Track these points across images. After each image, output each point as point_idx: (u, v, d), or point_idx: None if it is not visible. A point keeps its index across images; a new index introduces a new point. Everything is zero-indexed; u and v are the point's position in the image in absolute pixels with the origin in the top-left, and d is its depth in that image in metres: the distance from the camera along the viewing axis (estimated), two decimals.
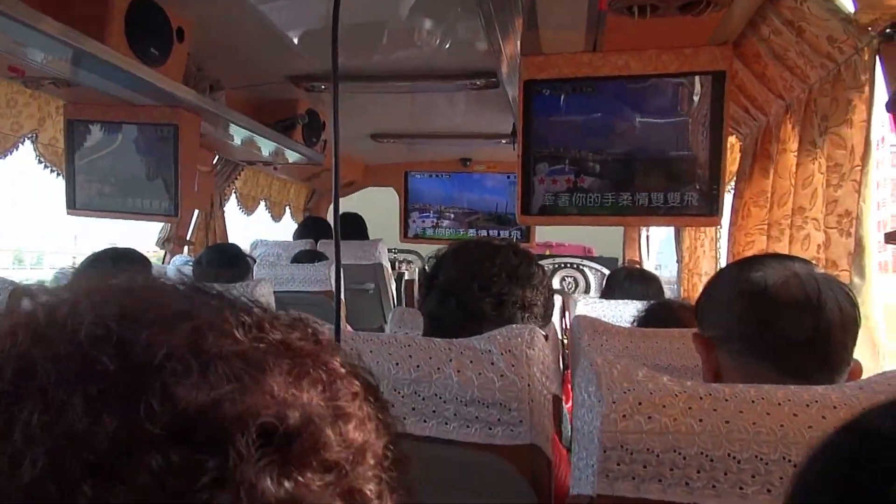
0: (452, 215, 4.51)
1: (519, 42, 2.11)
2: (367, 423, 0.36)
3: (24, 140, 2.47)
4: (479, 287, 1.15)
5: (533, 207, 2.14)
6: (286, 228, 4.56)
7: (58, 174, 2.59)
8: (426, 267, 1.26)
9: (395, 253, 4.72)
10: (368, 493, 0.34)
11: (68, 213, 2.50)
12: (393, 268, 4.24)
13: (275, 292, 2.55)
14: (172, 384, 0.30)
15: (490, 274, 1.16)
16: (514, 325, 1.00)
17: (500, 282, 1.15)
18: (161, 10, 1.96)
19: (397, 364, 0.99)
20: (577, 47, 2.13)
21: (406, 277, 4.48)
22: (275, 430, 0.31)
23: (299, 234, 3.93)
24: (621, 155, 2.09)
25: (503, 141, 3.63)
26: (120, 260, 1.86)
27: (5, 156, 2.42)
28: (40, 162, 2.58)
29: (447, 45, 2.27)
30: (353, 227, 3.82)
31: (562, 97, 2.11)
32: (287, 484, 0.30)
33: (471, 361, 0.96)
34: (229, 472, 0.29)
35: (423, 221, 4.58)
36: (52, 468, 0.28)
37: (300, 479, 0.31)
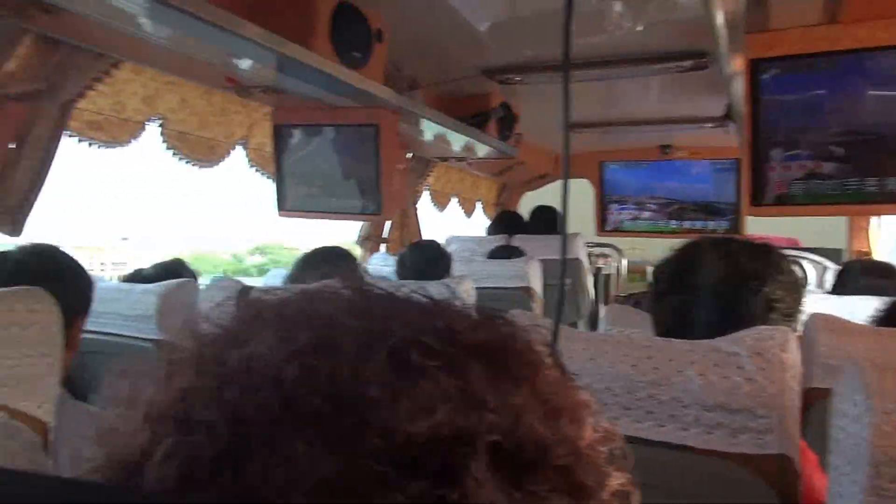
0: (654, 206, 4.23)
1: (741, 18, 1.90)
2: (578, 413, 0.35)
3: (235, 146, 2.66)
4: (749, 288, 1.08)
5: (766, 197, 1.90)
6: (463, 223, 4.58)
7: (267, 177, 2.75)
8: (663, 264, 1.20)
9: (591, 246, 4.55)
10: (591, 484, 0.33)
11: (279, 215, 2.64)
12: (589, 262, 4.10)
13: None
14: (387, 416, 0.29)
15: (761, 274, 1.09)
16: (763, 327, 0.94)
17: (772, 282, 1.08)
18: (361, 14, 1.99)
19: (634, 366, 0.96)
20: (811, 20, 1.88)
21: (604, 272, 4.32)
22: (500, 445, 0.30)
23: (494, 230, 3.91)
24: (866, 136, 1.80)
25: (709, 125, 3.38)
26: (329, 258, 1.91)
27: (220, 161, 2.61)
28: (251, 166, 2.77)
29: (648, 28, 2.13)
30: (550, 220, 3.73)
31: (795, 76, 1.86)
32: (518, 495, 0.30)
33: (715, 364, 0.91)
34: (470, 499, 0.28)
35: (621, 213, 4.33)
36: None
37: (530, 487, 0.30)
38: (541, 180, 4.62)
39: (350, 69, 1.96)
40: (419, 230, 3.82)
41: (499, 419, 0.30)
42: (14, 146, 1.77)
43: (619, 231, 4.34)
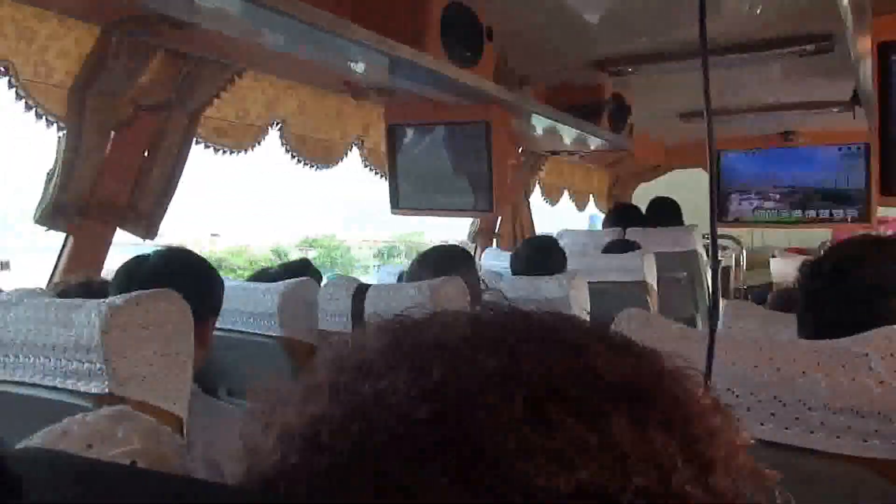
0: (778, 195, 3.97)
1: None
2: (734, 461, 0.31)
3: (352, 146, 2.73)
4: None
5: None
6: (573, 217, 4.49)
7: (381, 175, 2.80)
8: (820, 261, 1.13)
9: (706, 238, 4.36)
10: None
11: (392, 213, 2.68)
12: (706, 254, 3.94)
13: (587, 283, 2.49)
14: (521, 468, 0.27)
15: None
16: (893, 327, 0.88)
17: None
18: (471, 13, 1.99)
19: (755, 366, 0.92)
20: None
21: (722, 264, 4.13)
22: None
23: (609, 223, 3.82)
24: None
25: (835, 110, 3.17)
26: (445, 256, 1.93)
27: (337, 162, 2.69)
28: (366, 166, 2.83)
29: (768, 12, 2.03)
30: (667, 212, 3.60)
31: None
32: None
33: (843, 366, 0.87)
34: None
35: (741, 203, 4.10)
36: None
37: None
38: (653, 171, 4.47)
39: (461, 68, 1.96)
40: (532, 225, 3.79)
41: (644, 480, 0.28)
42: (147, 154, 1.90)
43: (739, 222, 4.11)
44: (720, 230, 4.18)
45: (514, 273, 2.62)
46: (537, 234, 3.79)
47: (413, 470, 0.28)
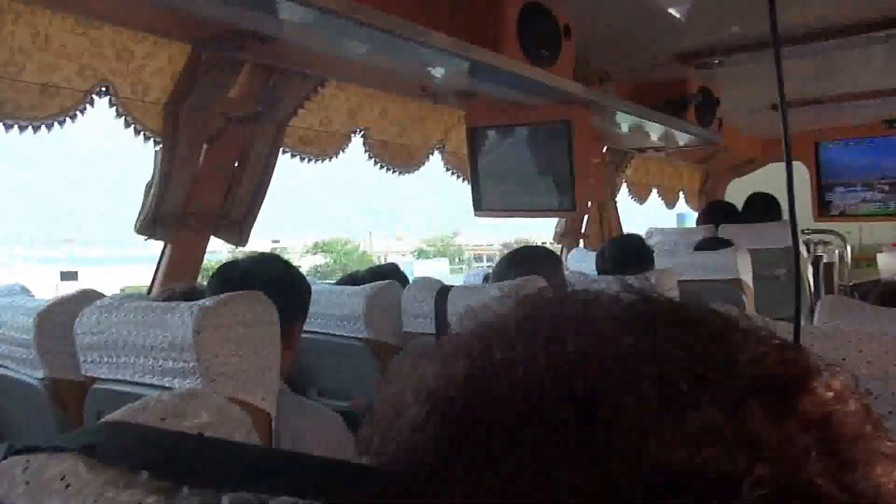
0: (886, 187, 3.71)
1: None
2: (878, 467, 0.29)
3: (433, 151, 2.75)
4: None
5: None
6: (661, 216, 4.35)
7: (463, 179, 2.82)
8: None
9: (807, 234, 4.13)
10: None
11: (475, 215, 2.69)
12: (808, 250, 3.73)
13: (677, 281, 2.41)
14: (644, 442, 0.27)
15: None
16: None
17: None
18: (548, 12, 1.97)
19: (843, 359, 0.86)
20: None
21: (825, 261, 3.91)
22: (770, 498, 0.26)
23: (702, 220, 3.69)
24: None
25: None
26: (532, 257, 1.91)
27: (419, 167, 2.72)
28: (447, 169, 2.85)
29: None
30: (765, 208, 3.44)
31: None
32: None
33: None
34: None
35: (844, 197, 3.85)
36: None
37: None
38: (748, 166, 4.28)
39: (539, 68, 1.95)
40: (619, 224, 3.71)
41: (774, 469, 0.27)
42: (237, 164, 1.98)
43: (844, 215, 3.87)
44: (822, 225, 3.97)
45: (600, 272, 2.57)
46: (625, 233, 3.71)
47: (543, 438, 0.28)
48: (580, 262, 2.99)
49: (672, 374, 0.29)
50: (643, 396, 0.28)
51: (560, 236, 3.48)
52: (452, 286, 1.89)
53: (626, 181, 3.92)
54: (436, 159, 2.82)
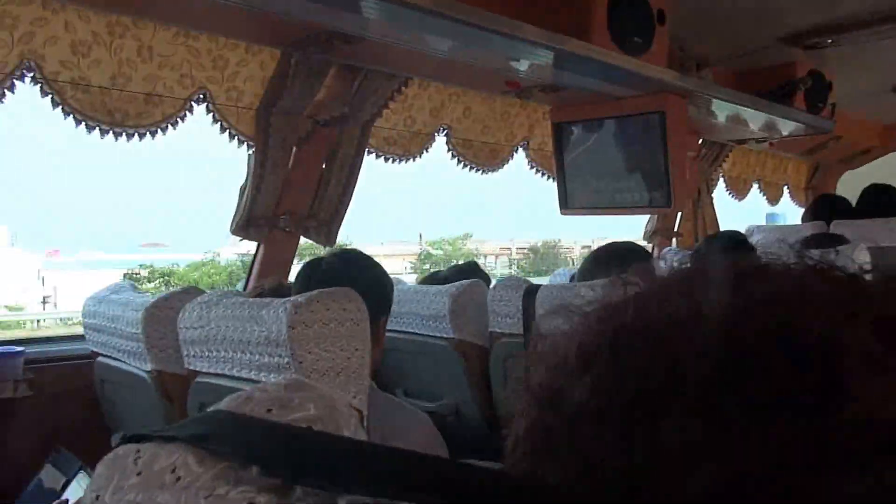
0: None
1: None
2: None
3: (517, 149, 2.71)
4: None
5: None
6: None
7: (548, 177, 2.76)
8: None
9: None
10: None
11: (562, 213, 2.62)
12: None
13: None
14: (865, 392, 0.25)
15: None
16: None
17: None
18: None
19: None
20: None
21: None
22: None
23: (809, 216, 3.47)
24: None
25: None
26: (621, 255, 1.84)
27: (503, 165, 2.68)
28: (532, 167, 2.79)
29: None
30: (889, 202, 3.19)
31: None
32: None
33: None
34: None
35: None
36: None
37: None
38: (864, 156, 4.00)
39: (631, 56, 1.88)
40: (716, 221, 3.55)
41: None
42: (325, 166, 2.01)
43: None
44: None
45: None
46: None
47: (739, 390, 0.26)
48: (674, 263, 2.87)
49: (886, 321, 0.27)
50: (861, 340, 0.26)
51: (651, 234, 3.36)
52: (540, 285, 1.85)
53: (723, 175, 3.74)
54: (519, 157, 2.77)
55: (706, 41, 2.34)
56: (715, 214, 3.57)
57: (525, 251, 23.27)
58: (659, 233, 3.34)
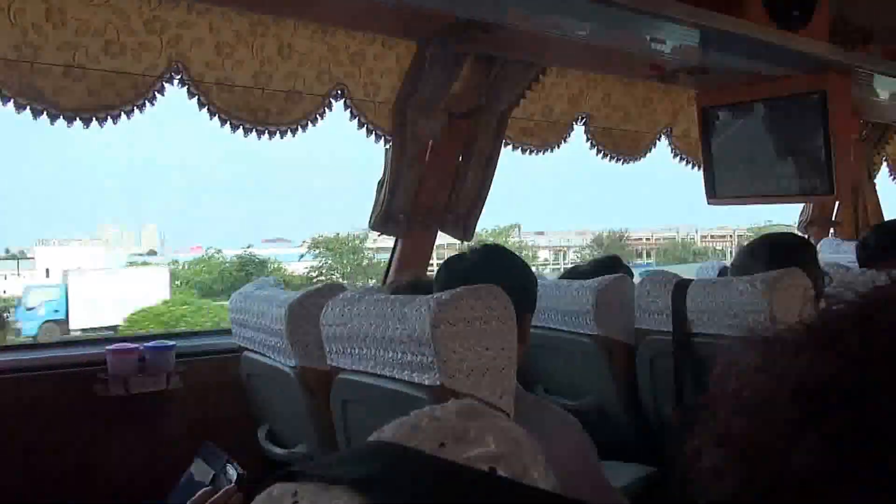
0: None
1: None
2: None
3: (660, 136, 2.58)
4: None
5: None
6: None
7: (693, 165, 2.62)
8: None
9: None
10: None
11: (709, 203, 2.47)
12: None
13: None
14: None
15: None
16: None
17: None
18: None
19: None
20: None
21: None
22: None
23: None
24: None
25: None
26: (781, 246, 1.70)
27: (644, 154, 2.57)
28: (675, 155, 2.66)
29: None
30: None
31: None
32: None
33: None
34: None
35: None
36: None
37: None
38: None
39: (789, 31, 1.73)
40: (879, 209, 3.25)
41: None
42: (461, 159, 1.98)
43: None
44: None
45: (862, 265, 2.24)
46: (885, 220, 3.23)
47: None
48: (833, 254, 2.65)
49: None
50: None
51: (806, 225, 3.12)
52: (691, 280, 1.73)
53: (886, 159, 3.42)
54: (662, 145, 2.64)
55: (871, 13, 2.14)
56: (878, 202, 3.28)
57: (587, 245, 20.42)
58: (815, 223, 3.10)
